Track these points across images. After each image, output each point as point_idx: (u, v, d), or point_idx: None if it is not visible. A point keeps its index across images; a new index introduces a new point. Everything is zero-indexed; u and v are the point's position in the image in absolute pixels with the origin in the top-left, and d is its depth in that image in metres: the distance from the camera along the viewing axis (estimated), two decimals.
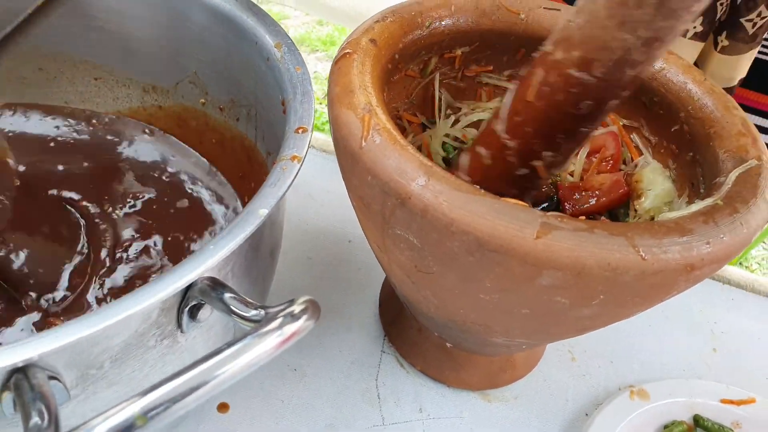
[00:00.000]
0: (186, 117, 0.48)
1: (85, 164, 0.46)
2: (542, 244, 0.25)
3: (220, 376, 0.19)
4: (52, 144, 0.46)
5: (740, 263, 1.81)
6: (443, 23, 0.39)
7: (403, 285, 0.34)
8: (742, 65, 0.49)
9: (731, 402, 0.44)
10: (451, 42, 0.40)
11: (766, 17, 0.45)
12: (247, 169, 0.45)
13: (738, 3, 0.46)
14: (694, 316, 0.51)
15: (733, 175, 0.31)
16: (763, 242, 1.87)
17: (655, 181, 0.36)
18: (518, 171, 0.32)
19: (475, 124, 0.43)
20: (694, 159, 0.36)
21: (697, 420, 0.43)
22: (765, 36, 0.47)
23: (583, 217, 0.28)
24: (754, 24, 0.46)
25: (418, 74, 0.41)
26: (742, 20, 0.46)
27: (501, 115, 0.32)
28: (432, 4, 0.38)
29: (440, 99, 0.43)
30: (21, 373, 0.21)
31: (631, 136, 0.41)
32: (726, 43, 0.47)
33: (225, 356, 0.20)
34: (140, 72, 0.47)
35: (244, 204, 0.46)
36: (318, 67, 2.23)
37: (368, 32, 0.35)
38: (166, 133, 0.49)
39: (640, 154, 0.40)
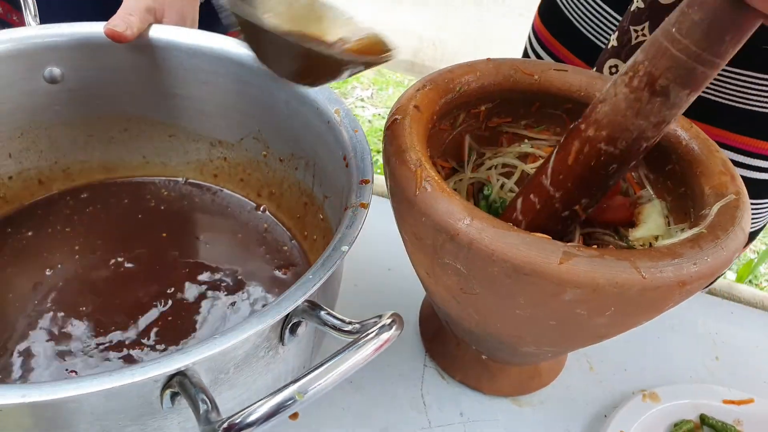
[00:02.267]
0: (249, 168, 0.56)
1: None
2: (565, 268, 0.32)
3: (341, 368, 0.27)
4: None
5: (749, 281, 1.86)
6: (471, 86, 0.47)
7: (448, 305, 0.41)
8: None
9: (733, 402, 0.50)
10: (477, 100, 0.48)
11: None
12: (302, 211, 0.53)
13: None
14: (698, 328, 0.58)
15: (715, 208, 0.38)
16: None
17: (651, 217, 0.43)
18: (562, 213, 0.40)
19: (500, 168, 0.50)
20: (686, 193, 0.43)
21: (703, 419, 0.49)
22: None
23: (596, 246, 0.35)
24: None
25: (449, 127, 0.49)
26: None
27: (547, 172, 0.40)
28: (461, 72, 0.46)
29: (468, 147, 0.50)
30: (181, 375, 0.28)
31: (632, 174, 0.48)
32: None
33: (343, 356, 0.27)
34: (209, 129, 0.55)
35: (300, 242, 0.54)
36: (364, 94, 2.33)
37: (412, 99, 0.43)
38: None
39: (642, 188, 0.48)
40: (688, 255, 0.34)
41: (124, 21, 0.47)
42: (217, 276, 0.50)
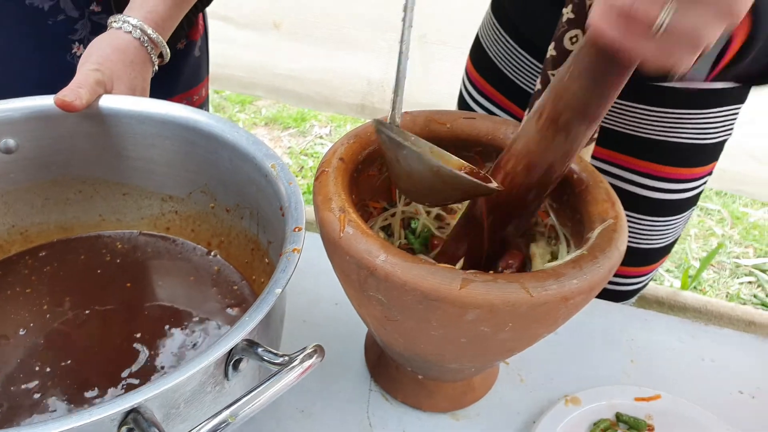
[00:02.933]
0: (198, 219, 0.60)
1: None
2: (464, 292, 0.38)
3: (268, 393, 0.31)
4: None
5: (694, 287, 1.98)
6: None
7: (378, 331, 0.47)
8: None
9: (643, 399, 0.57)
10: None
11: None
12: (250, 257, 0.58)
13: None
14: (615, 335, 0.64)
15: (596, 231, 0.45)
16: (711, 265, 2.05)
17: (537, 254, 0.50)
18: (495, 238, 0.46)
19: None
20: (580, 219, 0.50)
21: (618, 416, 0.55)
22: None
23: (492, 272, 0.41)
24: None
25: (377, 173, 0.55)
26: None
27: (477, 202, 0.46)
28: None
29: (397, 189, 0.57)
30: (135, 413, 0.32)
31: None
32: None
33: (270, 383, 0.32)
34: (159, 186, 0.60)
35: (250, 283, 0.58)
36: (291, 143, 2.40)
37: (337, 152, 0.49)
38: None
39: (548, 216, 0.54)
40: (570, 274, 0.40)
41: (73, 92, 0.52)
42: (176, 317, 0.54)
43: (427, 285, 0.38)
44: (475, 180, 0.43)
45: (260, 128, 2.46)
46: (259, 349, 0.36)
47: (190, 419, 0.37)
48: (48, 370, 0.49)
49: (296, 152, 2.36)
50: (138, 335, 0.52)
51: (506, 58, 0.74)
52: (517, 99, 0.75)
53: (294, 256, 0.42)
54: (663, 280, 1.99)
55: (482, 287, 0.38)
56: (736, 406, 0.59)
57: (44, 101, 0.54)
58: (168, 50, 0.62)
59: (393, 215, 0.57)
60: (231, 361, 0.37)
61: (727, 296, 1.97)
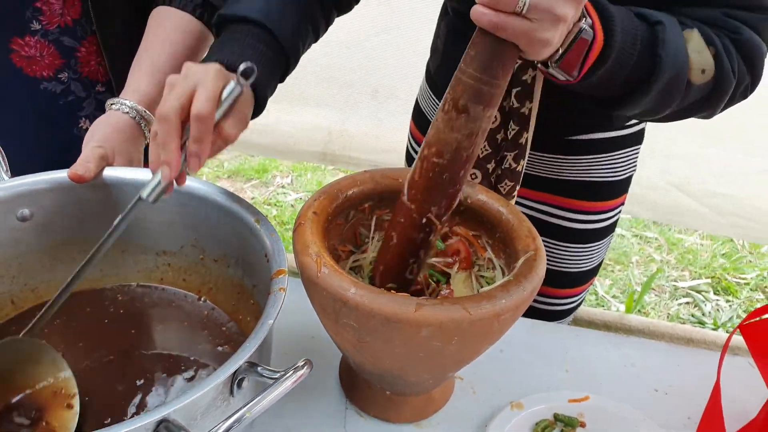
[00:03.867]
0: (189, 270, 0.69)
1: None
2: (419, 314, 0.48)
3: (267, 399, 0.41)
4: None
5: (638, 310, 2.13)
6: (352, 192, 0.64)
7: (352, 354, 0.56)
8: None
9: (576, 400, 0.68)
10: (361, 200, 0.66)
11: (510, 184, 0.75)
12: (236, 299, 0.67)
13: (494, 176, 0.76)
14: (552, 350, 0.76)
15: (520, 261, 0.56)
16: (653, 288, 2.22)
17: (458, 286, 0.61)
18: (420, 222, 0.55)
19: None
20: (509, 252, 0.62)
21: (556, 416, 0.66)
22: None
23: (441, 297, 0.52)
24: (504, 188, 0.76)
25: (344, 222, 0.66)
26: (498, 186, 0.75)
27: (404, 191, 0.56)
28: (346, 183, 0.64)
29: (361, 233, 0.67)
30: (166, 422, 0.41)
31: (478, 240, 0.66)
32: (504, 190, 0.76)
33: (269, 390, 0.41)
34: (154, 242, 0.69)
35: (237, 323, 0.67)
36: (255, 194, 2.49)
37: (311, 207, 0.60)
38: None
39: (485, 250, 0.66)
40: (500, 296, 0.51)
41: (82, 167, 0.61)
42: (174, 358, 0.62)
43: (389, 310, 0.49)
44: None
45: (223, 181, 2.55)
46: (258, 368, 0.46)
47: (201, 429, 0.46)
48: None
49: (260, 202, 2.45)
50: (142, 375, 0.60)
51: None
52: None
53: (280, 294, 0.52)
54: (610, 305, 2.15)
55: (432, 309, 0.49)
56: (653, 402, 0.70)
57: (55, 175, 0.63)
58: None
59: (365, 257, 0.67)
60: (236, 380, 0.46)
61: (668, 317, 2.14)
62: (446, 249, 0.65)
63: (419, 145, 0.94)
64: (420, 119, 0.93)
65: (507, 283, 0.53)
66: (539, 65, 0.58)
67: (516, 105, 0.71)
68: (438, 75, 0.86)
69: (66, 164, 0.63)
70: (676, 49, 0.58)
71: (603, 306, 2.15)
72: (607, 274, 2.28)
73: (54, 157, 0.66)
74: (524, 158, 0.73)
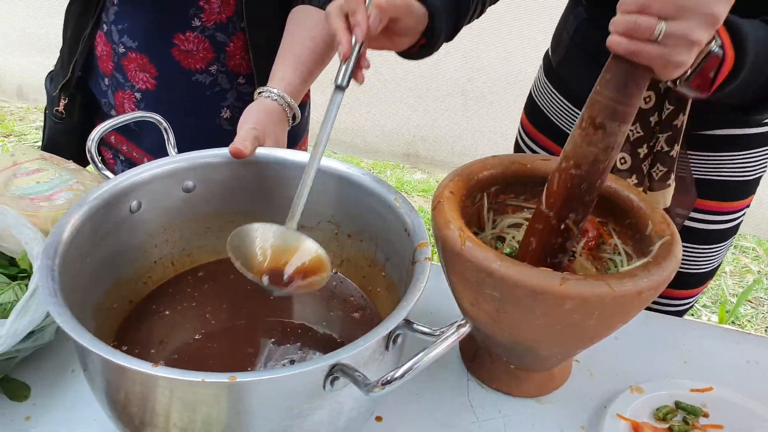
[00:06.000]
0: (323, 243, 0.75)
1: None
2: (563, 287, 0.51)
3: (435, 352, 0.45)
4: None
5: (732, 322, 2.04)
6: (484, 176, 0.68)
7: (486, 325, 0.60)
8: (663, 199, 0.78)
9: (698, 390, 0.68)
10: (489, 184, 0.69)
11: (663, 169, 0.75)
12: (367, 271, 0.72)
13: (644, 159, 0.75)
14: (669, 340, 0.76)
15: (657, 245, 0.58)
16: (749, 300, 2.11)
17: (581, 263, 0.63)
18: (559, 227, 0.58)
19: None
20: (640, 237, 0.63)
21: (678, 404, 0.67)
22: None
23: (583, 274, 0.55)
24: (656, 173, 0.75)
25: (471, 204, 0.69)
26: (651, 171, 0.75)
27: (542, 200, 0.59)
28: (477, 166, 0.67)
29: (487, 215, 0.71)
30: (340, 365, 0.46)
31: (604, 228, 0.68)
32: (647, 184, 0.76)
33: (435, 345, 0.45)
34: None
35: (367, 293, 0.72)
36: None
37: (447, 187, 0.64)
38: None
39: (610, 237, 0.68)
40: (641, 275, 0.53)
41: (242, 144, 0.68)
42: (309, 322, 0.68)
43: (535, 282, 0.52)
44: None
45: None
46: (415, 325, 0.50)
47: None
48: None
49: None
50: (285, 335, 0.66)
51: (557, 110, 0.89)
52: (560, 142, 0.90)
53: (426, 263, 0.56)
54: (700, 315, 2.06)
55: (576, 284, 0.51)
56: None
57: (216, 152, 0.70)
58: (299, 113, 0.78)
59: (484, 236, 0.71)
60: (392, 336, 0.51)
61: (765, 330, 2.03)
62: None
63: (531, 139, 0.96)
64: (535, 114, 0.95)
65: (647, 264, 0.55)
66: (668, 83, 0.59)
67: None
68: (562, 67, 0.87)
69: (207, 143, 0.70)
70: None
71: (693, 315, 2.07)
72: None
73: (199, 142, 0.73)
74: (678, 143, 0.73)
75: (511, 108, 1.77)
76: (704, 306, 2.12)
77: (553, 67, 0.89)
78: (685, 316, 0.93)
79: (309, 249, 0.63)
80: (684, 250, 0.86)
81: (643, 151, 0.75)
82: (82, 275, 0.60)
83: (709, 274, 0.91)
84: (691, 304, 0.94)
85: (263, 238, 0.63)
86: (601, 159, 0.55)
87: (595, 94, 0.54)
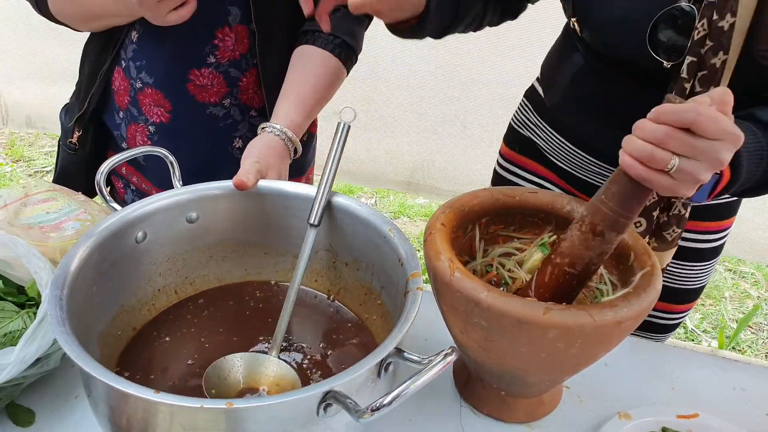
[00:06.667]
0: (321, 271, 0.78)
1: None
2: (547, 317, 0.54)
3: (422, 379, 0.47)
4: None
5: (732, 347, 2.04)
6: (474, 208, 0.71)
7: (476, 353, 0.62)
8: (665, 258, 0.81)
9: (685, 417, 0.70)
10: (479, 215, 0.72)
11: (678, 231, 0.77)
12: (363, 299, 0.75)
13: (661, 222, 0.78)
14: (658, 368, 0.78)
15: (638, 276, 0.60)
16: (749, 326, 2.12)
17: None
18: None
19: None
20: (624, 268, 0.66)
21: (664, 430, 0.68)
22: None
23: (566, 303, 0.57)
24: (671, 234, 0.78)
25: (462, 235, 0.72)
26: (664, 233, 0.78)
27: (531, 287, 0.63)
28: (467, 198, 0.70)
29: (478, 245, 0.73)
30: (333, 392, 0.48)
31: None
32: (655, 244, 0.79)
33: (423, 372, 0.48)
34: (292, 247, 0.77)
35: (363, 320, 0.74)
36: None
37: (439, 219, 0.67)
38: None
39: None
40: (621, 305, 0.56)
41: (245, 176, 0.72)
42: (307, 348, 0.70)
43: (520, 312, 0.54)
44: None
45: None
46: (405, 354, 0.52)
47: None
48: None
49: None
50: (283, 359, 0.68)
51: (553, 147, 0.93)
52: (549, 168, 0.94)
53: (418, 293, 0.59)
54: (700, 340, 2.07)
55: (559, 313, 0.54)
56: (764, 425, 0.71)
57: (219, 184, 0.73)
58: (300, 147, 0.82)
59: (475, 265, 0.73)
60: (384, 364, 0.53)
61: (766, 356, 2.03)
62: None
63: (516, 165, 0.99)
64: (515, 142, 0.98)
65: (627, 294, 0.57)
66: None
67: None
68: (558, 109, 0.89)
69: (222, 178, 0.73)
70: None
71: (693, 340, 2.08)
72: (697, 308, 2.21)
73: (211, 171, 0.77)
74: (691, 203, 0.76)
75: None
76: (704, 331, 2.13)
77: (545, 107, 0.92)
78: (676, 340, 0.95)
79: (285, 376, 0.65)
80: (674, 267, 0.90)
81: (656, 213, 0.76)
82: (89, 304, 0.62)
83: (696, 293, 0.95)
84: (679, 320, 0.97)
85: (243, 367, 0.66)
86: (595, 262, 0.60)
87: (599, 203, 0.57)
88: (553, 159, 0.93)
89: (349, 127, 0.69)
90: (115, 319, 0.68)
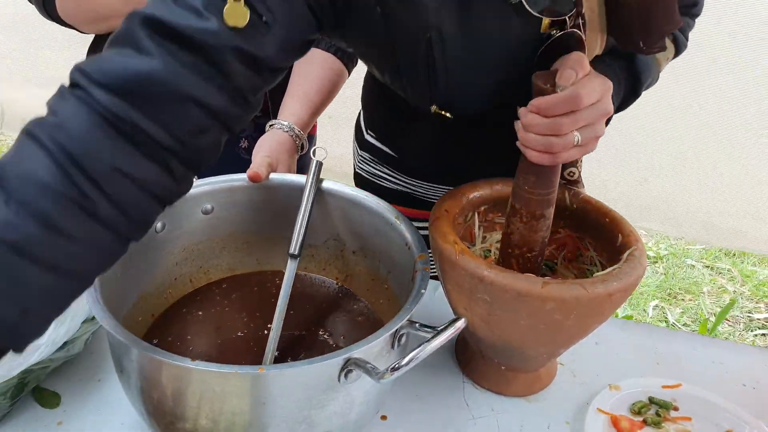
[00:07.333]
0: (330, 260, 0.82)
1: None
2: (545, 290, 0.59)
3: (432, 344, 0.52)
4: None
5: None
6: (473, 196, 0.76)
7: (478, 328, 0.67)
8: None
9: (669, 387, 0.75)
10: (479, 203, 0.77)
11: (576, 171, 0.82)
12: (370, 284, 0.79)
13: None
14: (644, 345, 0.84)
15: (625, 255, 0.66)
16: (726, 319, 2.20)
17: (562, 274, 0.71)
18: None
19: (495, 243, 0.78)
20: (612, 249, 0.71)
21: (651, 399, 0.74)
22: None
23: (561, 278, 0.62)
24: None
25: (463, 222, 0.77)
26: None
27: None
28: (468, 188, 0.76)
29: (477, 231, 0.79)
30: (354, 359, 0.53)
31: (582, 242, 0.76)
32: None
33: (434, 338, 0.52)
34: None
35: (371, 304, 0.79)
36: None
37: (443, 205, 0.72)
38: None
39: (587, 250, 0.76)
40: (611, 279, 0.61)
41: (258, 169, 0.76)
42: (319, 330, 0.75)
43: (520, 286, 0.60)
44: None
45: None
46: (417, 324, 0.57)
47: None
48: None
49: None
50: (292, 340, 0.73)
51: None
52: None
53: (426, 272, 0.64)
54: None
55: (556, 286, 0.59)
56: (741, 395, 0.77)
57: (232, 177, 0.78)
58: (307, 143, 0.87)
59: (474, 250, 0.78)
60: (397, 335, 0.58)
61: None
62: (554, 241, 0.75)
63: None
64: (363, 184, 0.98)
65: (617, 270, 0.63)
66: None
67: None
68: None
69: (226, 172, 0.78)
70: (648, 68, 0.70)
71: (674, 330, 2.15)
72: (677, 302, 2.29)
73: (218, 171, 0.80)
74: None
75: None
76: (685, 325, 2.21)
77: (378, 148, 0.92)
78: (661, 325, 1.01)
79: None
80: None
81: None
82: (115, 291, 0.66)
83: None
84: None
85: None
86: (545, 236, 0.68)
87: (527, 194, 0.64)
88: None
89: (321, 164, 0.76)
90: (136, 306, 0.72)
